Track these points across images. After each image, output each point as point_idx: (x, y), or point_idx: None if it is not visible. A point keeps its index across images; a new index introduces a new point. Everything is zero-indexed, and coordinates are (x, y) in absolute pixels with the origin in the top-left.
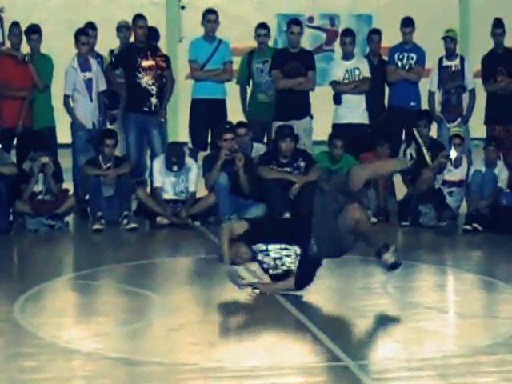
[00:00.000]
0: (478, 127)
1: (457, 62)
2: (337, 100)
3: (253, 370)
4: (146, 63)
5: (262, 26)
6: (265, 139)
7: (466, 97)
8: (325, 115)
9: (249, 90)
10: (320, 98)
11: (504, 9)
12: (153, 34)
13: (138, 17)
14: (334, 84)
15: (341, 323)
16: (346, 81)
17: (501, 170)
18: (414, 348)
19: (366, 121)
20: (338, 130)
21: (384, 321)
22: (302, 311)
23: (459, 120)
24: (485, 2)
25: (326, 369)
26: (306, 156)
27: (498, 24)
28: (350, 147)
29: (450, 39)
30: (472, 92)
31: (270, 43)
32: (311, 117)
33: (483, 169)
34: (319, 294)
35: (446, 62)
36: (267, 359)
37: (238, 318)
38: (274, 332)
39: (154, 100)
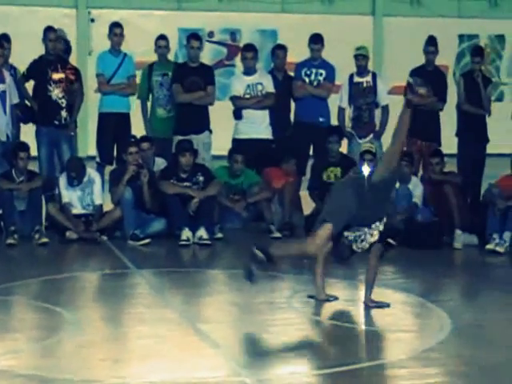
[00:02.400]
0: None
1: (369, 78)
2: (237, 115)
3: None
4: (56, 76)
5: (162, 37)
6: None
7: (378, 113)
8: (224, 130)
9: (149, 104)
10: (219, 112)
11: (417, 27)
12: (65, 46)
13: (49, 29)
14: (234, 99)
15: (243, 338)
16: (248, 96)
17: (415, 186)
18: (321, 362)
19: (269, 136)
20: (239, 144)
21: (288, 336)
22: (205, 326)
23: (371, 136)
24: (398, 20)
25: None
26: (205, 171)
27: (432, 42)
28: (252, 162)
29: (361, 57)
30: (385, 108)
31: (171, 57)
32: (210, 131)
33: (397, 184)
34: (222, 308)
35: (357, 79)
36: (169, 375)
37: (143, 334)
38: (177, 348)
39: (64, 113)
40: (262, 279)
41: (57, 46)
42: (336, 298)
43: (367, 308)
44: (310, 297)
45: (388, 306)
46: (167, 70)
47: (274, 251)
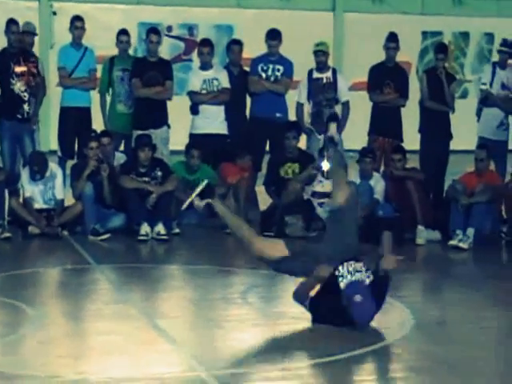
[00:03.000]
0: (354, 139)
1: (329, 74)
2: (194, 110)
3: (113, 381)
4: (18, 69)
5: (124, 32)
6: (121, 148)
7: (339, 109)
8: (182, 125)
9: (109, 98)
10: (177, 107)
11: (379, 23)
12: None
13: (11, 22)
14: (191, 94)
15: (199, 334)
16: (204, 91)
17: (377, 182)
18: (278, 357)
19: (224, 131)
20: (195, 140)
21: (243, 331)
22: (162, 322)
23: None
24: (359, 17)
25: (182, 379)
26: (163, 166)
27: (392, 38)
28: (208, 157)
29: (321, 53)
30: (346, 104)
31: (131, 51)
32: (168, 126)
33: (357, 180)
34: (179, 304)
35: (316, 75)
36: (127, 370)
37: (102, 330)
38: (136, 343)
39: (26, 107)
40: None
41: (25, 40)
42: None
43: None
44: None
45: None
46: (128, 65)
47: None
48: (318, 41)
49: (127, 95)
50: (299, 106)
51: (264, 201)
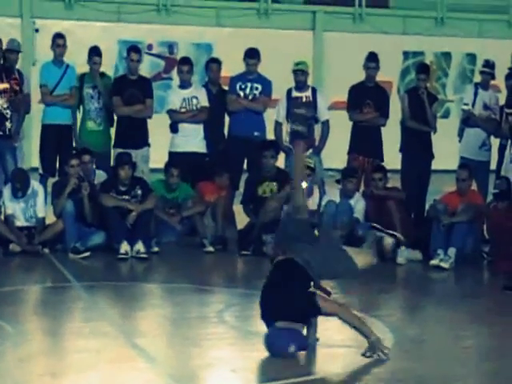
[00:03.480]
0: (333, 158)
1: (308, 93)
2: (173, 128)
3: None
4: (0, 86)
5: (96, 52)
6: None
7: (318, 128)
8: (162, 143)
9: (79, 116)
10: (157, 125)
11: (359, 43)
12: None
13: None
14: (170, 112)
15: (177, 352)
16: (184, 109)
17: (357, 201)
18: (255, 377)
19: (203, 150)
20: (175, 158)
21: (220, 350)
22: (140, 340)
23: (311, 151)
24: (340, 36)
25: None
26: (143, 184)
27: (372, 58)
28: (187, 176)
29: (300, 72)
30: (325, 123)
31: (111, 69)
32: (148, 145)
33: (337, 199)
34: (157, 322)
35: (295, 93)
36: None
37: (80, 348)
38: (114, 362)
39: (8, 124)
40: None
41: (10, 57)
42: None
43: None
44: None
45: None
46: (98, 82)
47: None
48: (297, 60)
49: (97, 112)
50: (278, 125)
51: (242, 219)
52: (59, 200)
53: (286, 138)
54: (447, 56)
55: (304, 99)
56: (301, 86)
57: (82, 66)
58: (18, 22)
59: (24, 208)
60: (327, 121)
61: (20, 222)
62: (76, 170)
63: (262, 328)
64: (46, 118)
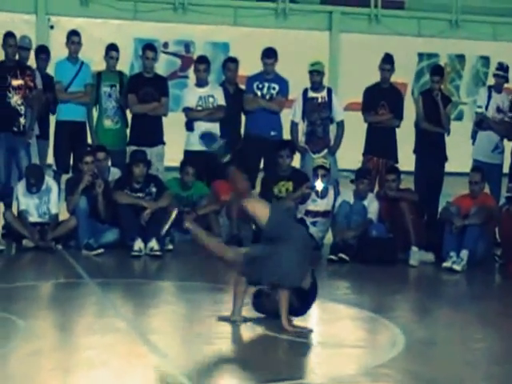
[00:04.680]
0: (348, 159)
1: (324, 93)
2: (189, 127)
3: None
4: (15, 82)
5: (113, 47)
6: (109, 163)
7: (333, 128)
8: (177, 141)
9: (95, 114)
10: (173, 124)
11: (375, 44)
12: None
13: (8, 35)
14: (186, 111)
15: (189, 350)
16: (200, 108)
17: (371, 202)
18: (269, 376)
19: None
20: (190, 156)
21: (234, 348)
22: (153, 337)
23: (326, 151)
24: (356, 37)
25: None
26: (158, 182)
27: (387, 60)
28: (202, 174)
29: (316, 73)
30: (341, 124)
31: (127, 67)
32: (163, 143)
33: (351, 200)
34: (170, 319)
35: (311, 94)
36: None
37: (92, 344)
38: (125, 358)
39: (22, 120)
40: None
41: (22, 55)
42: (250, 319)
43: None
44: (223, 319)
45: (311, 331)
46: (115, 80)
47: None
48: (313, 60)
49: (114, 111)
50: (294, 125)
51: None
52: (73, 197)
53: (301, 138)
54: (461, 58)
55: (320, 100)
56: (316, 86)
57: (97, 64)
58: (33, 18)
59: (38, 204)
60: (342, 121)
61: (33, 218)
62: (90, 166)
63: (276, 327)
64: (60, 115)
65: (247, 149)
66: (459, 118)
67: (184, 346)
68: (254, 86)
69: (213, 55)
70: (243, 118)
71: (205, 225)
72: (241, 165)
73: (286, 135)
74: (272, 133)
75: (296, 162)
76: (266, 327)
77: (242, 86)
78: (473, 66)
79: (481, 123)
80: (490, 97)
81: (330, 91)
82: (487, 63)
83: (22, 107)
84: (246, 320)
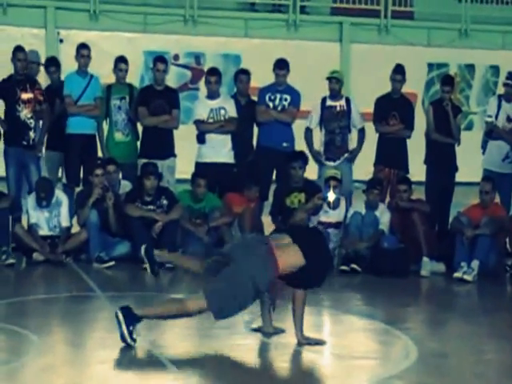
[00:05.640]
0: (360, 170)
1: (342, 102)
2: (200, 139)
3: None
4: (25, 96)
5: (122, 60)
6: (120, 176)
7: (352, 136)
8: (188, 154)
9: (106, 127)
10: (184, 136)
11: (385, 54)
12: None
13: (18, 49)
14: (197, 123)
15: (202, 363)
16: (211, 120)
17: (382, 213)
18: None
19: (231, 160)
20: (202, 168)
21: (248, 361)
22: (164, 351)
23: (345, 156)
24: (366, 48)
25: None
26: (169, 194)
27: (398, 70)
28: (214, 186)
29: (334, 80)
30: (361, 131)
31: (137, 79)
32: (174, 155)
33: (363, 211)
34: (182, 333)
35: (329, 102)
36: None
37: (103, 359)
38: (137, 373)
39: (32, 134)
40: None
41: (30, 69)
42: (283, 331)
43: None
44: (255, 330)
45: (324, 343)
46: (125, 93)
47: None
48: (331, 69)
49: (124, 123)
50: (308, 131)
51: (270, 230)
52: (83, 210)
53: (320, 147)
54: (471, 68)
55: (338, 108)
56: (334, 94)
57: (106, 77)
58: (43, 32)
59: (48, 217)
60: (363, 128)
61: (43, 232)
62: (100, 179)
63: (292, 340)
64: (70, 128)
65: (259, 160)
66: (469, 127)
67: (198, 360)
68: (266, 97)
69: (224, 67)
70: (255, 129)
71: (217, 237)
72: (253, 176)
73: (298, 146)
74: (284, 144)
75: (311, 173)
76: (280, 338)
77: (254, 98)
78: (482, 75)
79: (491, 133)
80: (499, 106)
81: (348, 100)
82: (497, 72)
83: (32, 121)
84: (277, 331)
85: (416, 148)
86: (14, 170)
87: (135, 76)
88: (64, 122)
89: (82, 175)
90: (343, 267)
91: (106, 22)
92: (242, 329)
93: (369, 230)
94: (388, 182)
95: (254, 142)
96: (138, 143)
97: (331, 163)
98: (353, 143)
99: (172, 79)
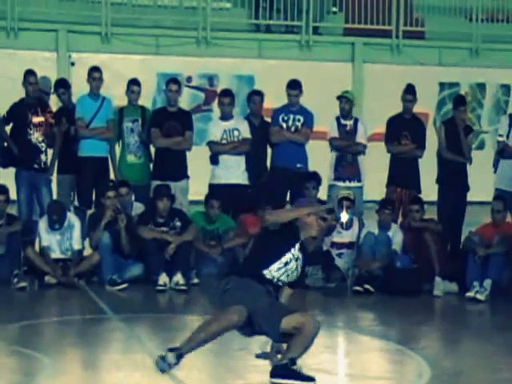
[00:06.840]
0: (372, 190)
1: (351, 122)
2: (214, 160)
3: None
4: (36, 119)
5: (135, 82)
6: (132, 198)
7: (362, 159)
8: (201, 175)
9: (118, 149)
10: (197, 158)
11: (397, 74)
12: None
13: (29, 73)
14: (211, 144)
15: None
16: (225, 141)
17: (395, 233)
18: None
19: (245, 181)
20: (215, 190)
21: (265, 383)
22: (180, 373)
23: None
24: (378, 68)
25: None
26: (182, 216)
27: (410, 90)
28: (228, 207)
29: (345, 99)
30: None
31: (150, 102)
32: (187, 177)
33: (376, 231)
34: (197, 354)
35: (342, 121)
36: None
37: (118, 381)
38: None
39: (43, 157)
40: None
41: (42, 96)
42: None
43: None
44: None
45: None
46: (137, 115)
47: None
48: (338, 91)
49: (137, 146)
50: (331, 139)
51: None
52: (95, 232)
53: (331, 166)
54: (482, 87)
55: (348, 127)
56: (344, 114)
57: (119, 99)
58: (54, 55)
59: (60, 240)
60: (363, 144)
61: (55, 255)
62: (112, 201)
63: (307, 360)
64: (83, 151)
65: (273, 181)
66: (481, 146)
67: (213, 381)
68: (280, 118)
69: (237, 88)
70: (269, 150)
71: (231, 258)
72: (267, 197)
73: (312, 167)
74: (298, 165)
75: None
76: (302, 360)
77: (267, 119)
78: (493, 94)
79: (503, 152)
80: (511, 125)
81: (356, 120)
82: (508, 91)
83: (43, 144)
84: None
85: (428, 168)
86: (26, 193)
87: (148, 98)
88: (75, 144)
89: (94, 198)
90: (357, 288)
91: (118, 45)
92: (258, 350)
93: (382, 250)
94: (400, 201)
95: (268, 163)
96: (151, 165)
97: (341, 183)
98: (364, 164)
99: (185, 101)
